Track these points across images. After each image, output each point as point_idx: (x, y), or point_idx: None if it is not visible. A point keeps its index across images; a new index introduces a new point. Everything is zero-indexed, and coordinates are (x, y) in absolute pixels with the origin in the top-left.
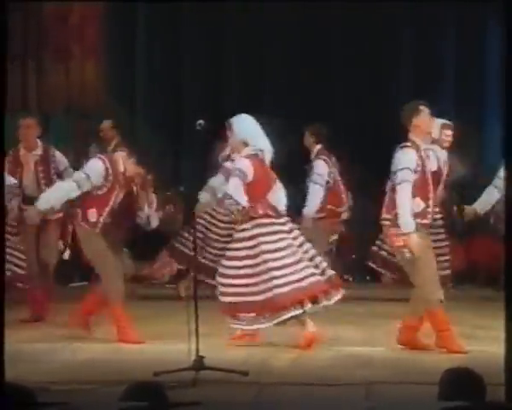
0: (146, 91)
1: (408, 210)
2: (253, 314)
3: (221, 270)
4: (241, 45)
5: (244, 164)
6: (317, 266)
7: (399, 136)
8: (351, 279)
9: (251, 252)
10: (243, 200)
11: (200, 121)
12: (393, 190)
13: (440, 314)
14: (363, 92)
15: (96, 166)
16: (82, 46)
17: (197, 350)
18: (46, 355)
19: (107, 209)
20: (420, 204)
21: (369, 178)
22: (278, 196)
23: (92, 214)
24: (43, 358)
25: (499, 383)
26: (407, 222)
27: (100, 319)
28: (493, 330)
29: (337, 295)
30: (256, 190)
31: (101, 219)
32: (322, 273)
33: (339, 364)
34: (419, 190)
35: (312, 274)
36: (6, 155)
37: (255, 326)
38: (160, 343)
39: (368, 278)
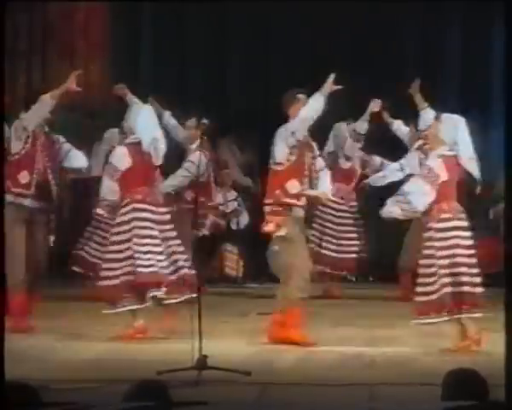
0: (150, 90)
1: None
2: (128, 295)
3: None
4: (247, 43)
5: (119, 152)
6: (174, 262)
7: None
8: (354, 280)
9: (126, 236)
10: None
11: (205, 121)
12: (274, 172)
13: (298, 311)
14: (366, 91)
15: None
16: (87, 44)
17: (200, 349)
18: (49, 354)
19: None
20: (295, 185)
21: None
22: (159, 186)
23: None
24: (47, 356)
25: (500, 384)
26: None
27: (102, 319)
28: (495, 331)
29: (187, 294)
30: (131, 177)
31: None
32: (176, 271)
33: (342, 364)
34: (295, 171)
35: (162, 267)
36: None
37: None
38: (164, 342)
39: (371, 278)
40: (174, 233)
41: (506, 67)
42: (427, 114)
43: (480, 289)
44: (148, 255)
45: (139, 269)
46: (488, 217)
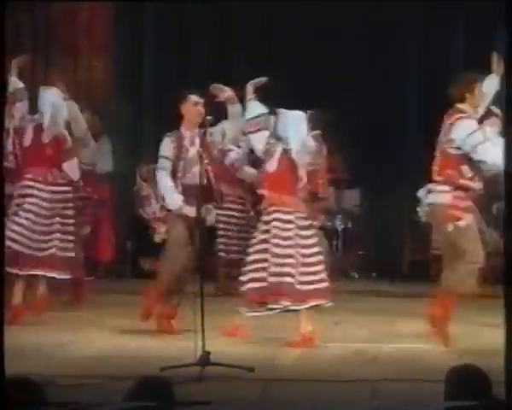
0: (153, 87)
1: (169, 193)
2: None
3: None
4: (251, 39)
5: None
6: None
7: (405, 135)
8: (356, 276)
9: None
10: None
11: (209, 117)
12: None
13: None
14: (368, 93)
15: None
16: (90, 42)
17: (203, 346)
18: (52, 350)
19: None
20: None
21: (375, 174)
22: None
23: None
24: (50, 353)
25: (501, 381)
26: (171, 200)
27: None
28: (498, 328)
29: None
30: (30, 154)
31: None
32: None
33: (344, 361)
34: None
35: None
36: None
37: None
38: (166, 339)
39: (374, 274)
40: (68, 212)
41: (506, 66)
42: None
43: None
44: (21, 232)
45: (8, 244)
46: (491, 213)
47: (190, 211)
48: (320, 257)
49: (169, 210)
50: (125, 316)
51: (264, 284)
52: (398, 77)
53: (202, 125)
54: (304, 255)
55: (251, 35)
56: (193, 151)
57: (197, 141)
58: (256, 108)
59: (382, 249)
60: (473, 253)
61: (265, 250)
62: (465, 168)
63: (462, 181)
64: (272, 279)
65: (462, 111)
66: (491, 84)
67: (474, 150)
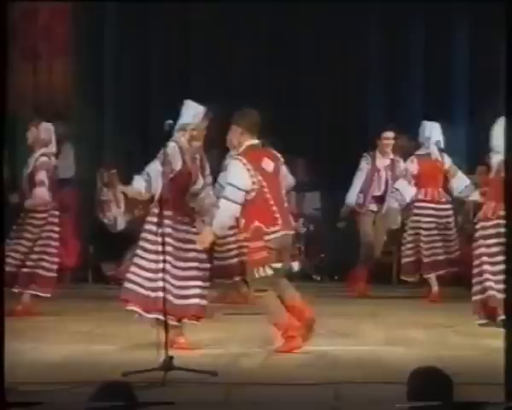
0: (114, 91)
1: None
2: None
3: None
4: (212, 44)
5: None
6: None
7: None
8: (319, 279)
9: None
10: None
11: (169, 121)
12: None
13: None
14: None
15: None
16: (50, 46)
17: (166, 350)
18: (15, 356)
19: None
20: None
21: (337, 178)
22: None
23: None
24: (12, 359)
25: (498, 383)
26: None
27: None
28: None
29: None
30: None
31: None
32: None
33: (308, 364)
34: None
35: None
36: None
37: None
38: (129, 344)
39: (336, 277)
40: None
41: (507, 67)
42: None
43: None
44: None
45: None
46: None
47: None
48: None
49: None
50: (87, 321)
51: None
52: (361, 77)
53: None
54: None
55: (216, 36)
56: None
57: None
58: None
59: (344, 252)
60: None
61: None
62: None
63: None
64: None
65: None
66: None
67: None
